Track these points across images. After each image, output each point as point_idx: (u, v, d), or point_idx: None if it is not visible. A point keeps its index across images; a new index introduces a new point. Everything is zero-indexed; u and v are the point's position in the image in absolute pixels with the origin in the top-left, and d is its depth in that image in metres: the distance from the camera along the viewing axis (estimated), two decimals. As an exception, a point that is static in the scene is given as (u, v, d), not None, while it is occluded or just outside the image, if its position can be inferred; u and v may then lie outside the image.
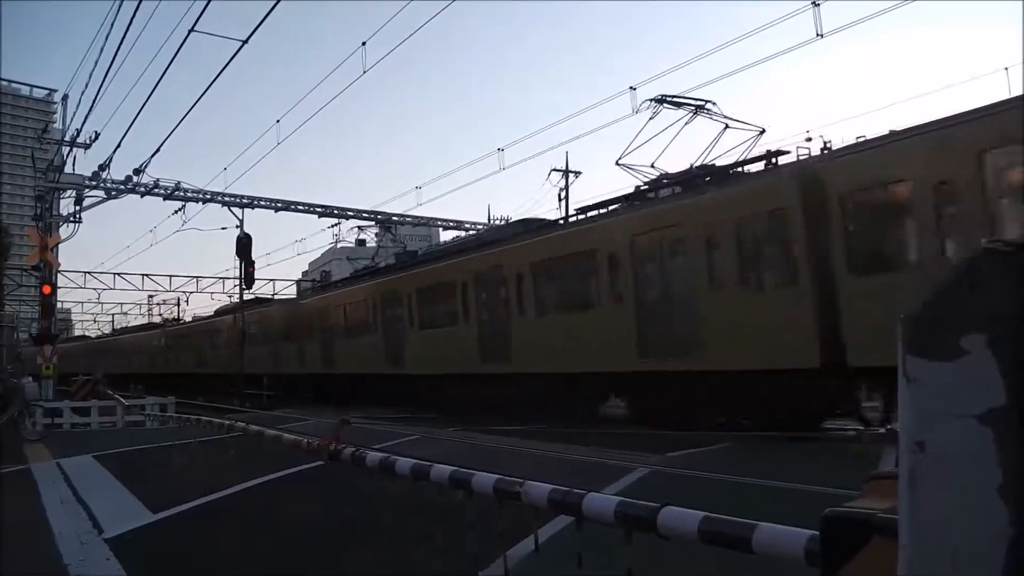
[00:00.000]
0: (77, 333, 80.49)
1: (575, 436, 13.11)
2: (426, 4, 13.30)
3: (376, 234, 37.27)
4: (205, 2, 11.16)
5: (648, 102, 17.67)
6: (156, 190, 26.59)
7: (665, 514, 3.00)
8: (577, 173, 36.92)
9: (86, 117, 29.03)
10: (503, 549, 4.14)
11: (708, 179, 15.20)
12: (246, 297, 31.59)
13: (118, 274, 46.38)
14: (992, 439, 1.30)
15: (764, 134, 16.65)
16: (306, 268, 68.75)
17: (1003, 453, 1.30)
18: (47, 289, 24.58)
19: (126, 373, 39.64)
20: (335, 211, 34.79)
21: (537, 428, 14.82)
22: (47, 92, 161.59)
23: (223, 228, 26.51)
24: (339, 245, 40.73)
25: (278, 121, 24.61)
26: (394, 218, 36.24)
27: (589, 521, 3.42)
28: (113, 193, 25.88)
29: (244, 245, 24.25)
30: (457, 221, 40.53)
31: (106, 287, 46.65)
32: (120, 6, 17.17)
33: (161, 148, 20.90)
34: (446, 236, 49.88)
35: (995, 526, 1.30)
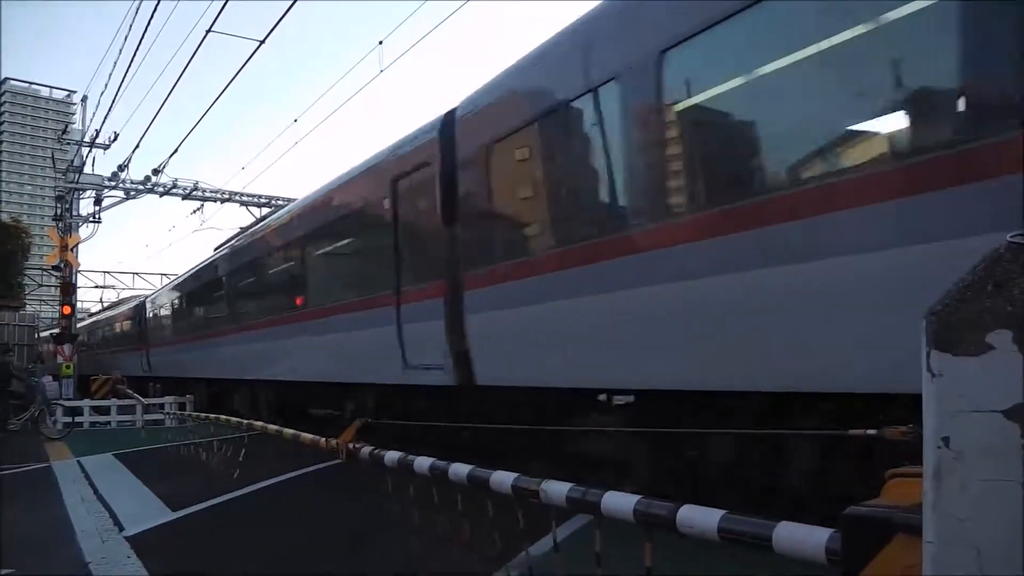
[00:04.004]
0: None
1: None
2: (443, 2, 13.29)
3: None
4: (222, 3, 11.23)
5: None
6: (174, 190, 26.68)
7: (684, 512, 3.00)
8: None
9: (105, 118, 29.36)
10: (522, 548, 4.15)
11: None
12: None
13: (136, 274, 46.75)
14: (1018, 435, 1.30)
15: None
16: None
17: (1029, 449, 1.30)
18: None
19: None
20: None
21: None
22: (67, 93, 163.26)
23: (241, 228, 26.64)
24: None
25: (296, 120, 24.76)
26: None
27: (608, 519, 3.43)
28: (132, 193, 25.96)
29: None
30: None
31: (125, 287, 47.00)
32: (139, 8, 17.34)
33: (179, 148, 21.03)
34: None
35: (1021, 522, 1.30)
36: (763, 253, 4.78)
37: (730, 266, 5.01)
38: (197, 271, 21.18)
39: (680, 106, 5.66)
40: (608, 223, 6.30)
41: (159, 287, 28.82)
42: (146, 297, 29.38)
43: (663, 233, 5.59)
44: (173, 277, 26.31)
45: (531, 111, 7.21)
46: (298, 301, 13.06)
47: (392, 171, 9.64)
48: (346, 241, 11.60)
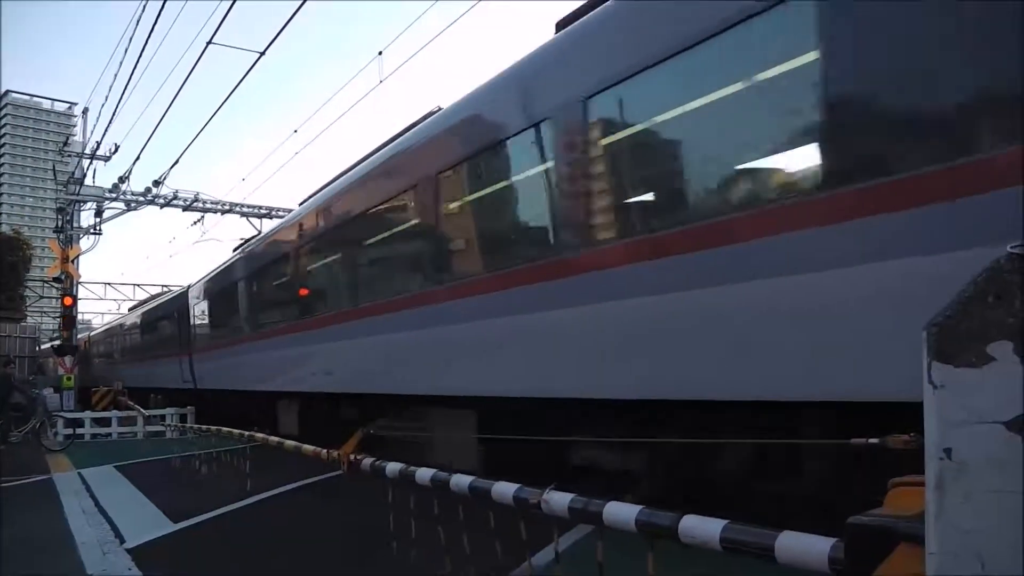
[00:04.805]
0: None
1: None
2: (443, 11, 13.31)
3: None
4: (223, 15, 11.26)
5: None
6: (175, 201, 26.65)
7: (687, 522, 2.99)
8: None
9: (106, 129, 29.48)
10: (524, 558, 4.14)
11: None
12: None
13: (137, 285, 46.71)
14: (1020, 446, 1.30)
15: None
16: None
17: (1031, 460, 1.29)
18: (68, 301, 24.79)
19: None
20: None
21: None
22: (68, 105, 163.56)
23: (242, 239, 26.65)
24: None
25: (296, 131, 24.74)
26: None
27: (610, 529, 3.42)
28: (133, 205, 25.93)
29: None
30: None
31: (126, 298, 46.86)
32: (139, 20, 17.40)
33: (180, 160, 21.06)
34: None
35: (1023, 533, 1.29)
36: None
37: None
38: (106, 329, 40.34)
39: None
40: (224, 336, 18.00)
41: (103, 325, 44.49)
42: (91, 332, 45.36)
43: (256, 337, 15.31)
44: (109, 322, 43.95)
45: (207, 294, 19.59)
46: (144, 351, 27.92)
47: (177, 303, 23.22)
48: (164, 327, 24.89)
